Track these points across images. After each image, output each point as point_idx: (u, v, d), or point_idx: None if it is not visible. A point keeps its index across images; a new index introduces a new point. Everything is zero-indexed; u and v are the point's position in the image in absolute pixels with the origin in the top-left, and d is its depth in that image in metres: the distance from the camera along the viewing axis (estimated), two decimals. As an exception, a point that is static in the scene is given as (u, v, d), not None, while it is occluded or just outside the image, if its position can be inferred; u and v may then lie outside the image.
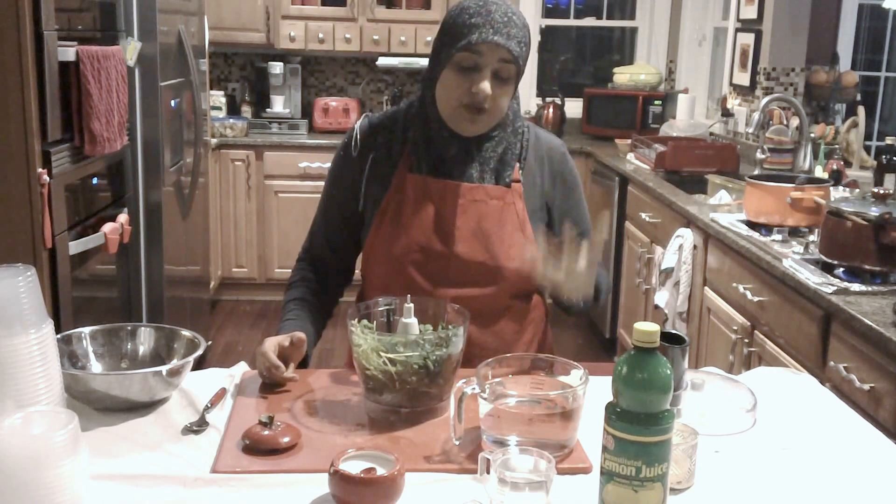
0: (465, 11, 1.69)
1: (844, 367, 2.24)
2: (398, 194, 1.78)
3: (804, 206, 2.90)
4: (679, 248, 3.47)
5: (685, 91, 5.38)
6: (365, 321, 1.58)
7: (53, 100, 2.60)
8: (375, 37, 5.36)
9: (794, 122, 4.16)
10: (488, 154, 1.77)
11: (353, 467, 1.25)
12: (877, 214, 2.37)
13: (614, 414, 1.18)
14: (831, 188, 3.07)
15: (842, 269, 2.47)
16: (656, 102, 5.40)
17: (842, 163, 3.81)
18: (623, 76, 5.66)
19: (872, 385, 2.12)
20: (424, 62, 1.85)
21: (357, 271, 1.95)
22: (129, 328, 1.70)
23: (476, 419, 1.41)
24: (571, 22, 6.18)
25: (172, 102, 3.64)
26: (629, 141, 4.84)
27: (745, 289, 2.87)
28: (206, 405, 1.55)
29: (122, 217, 3.15)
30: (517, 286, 1.79)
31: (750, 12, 4.61)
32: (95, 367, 1.63)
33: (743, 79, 4.71)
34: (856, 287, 2.34)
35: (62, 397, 1.37)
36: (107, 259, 3.12)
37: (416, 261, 1.76)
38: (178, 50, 3.76)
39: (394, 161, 1.80)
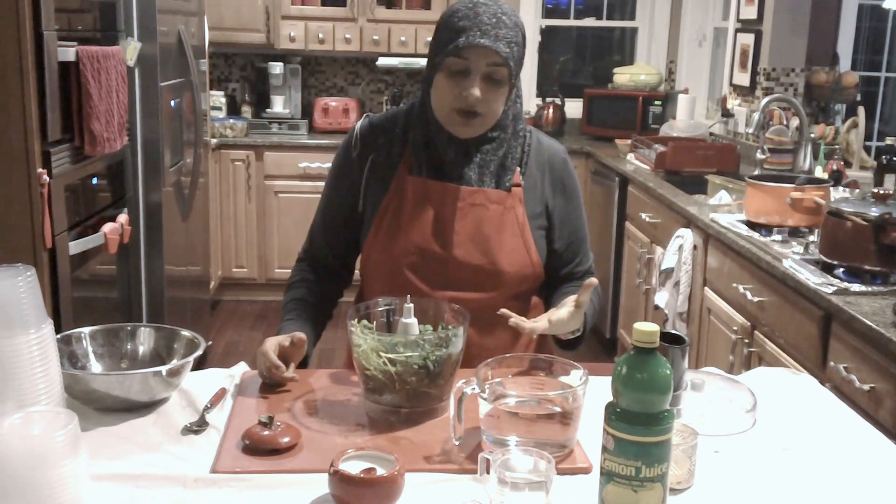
0: (454, 14, 1.69)
1: (844, 368, 2.24)
2: (398, 196, 1.78)
3: (804, 206, 2.90)
4: (679, 249, 3.47)
5: (685, 91, 5.39)
6: (365, 321, 1.57)
7: (53, 100, 2.60)
8: (375, 37, 5.36)
9: (795, 122, 4.16)
10: (489, 157, 1.76)
11: (353, 467, 1.25)
12: (877, 215, 2.37)
13: (614, 414, 1.18)
14: (831, 188, 3.07)
15: (842, 270, 2.47)
16: (656, 103, 5.40)
17: (842, 163, 3.81)
18: (623, 76, 5.66)
19: (872, 385, 2.12)
20: (424, 62, 1.84)
21: (356, 272, 1.94)
22: (128, 328, 1.70)
23: (476, 419, 1.41)
24: (571, 22, 6.18)
25: (172, 103, 3.64)
26: (629, 141, 4.84)
27: (745, 289, 2.86)
28: (206, 405, 1.55)
29: (123, 217, 3.15)
30: (516, 290, 1.79)
31: (750, 13, 4.61)
32: (95, 367, 1.63)
33: (743, 79, 4.71)
34: (856, 287, 2.34)
35: (62, 397, 1.37)
36: (107, 259, 3.12)
37: (415, 263, 1.76)
38: (178, 50, 3.76)
39: (394, 162, 1.80)
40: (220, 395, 1.60)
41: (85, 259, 2.89)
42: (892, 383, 2.05)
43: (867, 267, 2.39)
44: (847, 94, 4.38)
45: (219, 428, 1.49)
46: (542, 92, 5.96)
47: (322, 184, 1.94)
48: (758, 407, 1.58)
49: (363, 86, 5.85)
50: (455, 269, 1.75)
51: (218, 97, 5.42)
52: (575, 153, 5.31)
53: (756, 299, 2.79)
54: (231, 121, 5.27)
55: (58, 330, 1.43)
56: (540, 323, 1.61)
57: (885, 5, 4.20)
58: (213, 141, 4.97)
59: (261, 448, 1.40)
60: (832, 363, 2.32)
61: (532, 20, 5.91)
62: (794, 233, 2.90)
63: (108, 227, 2.99)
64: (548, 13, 6.08)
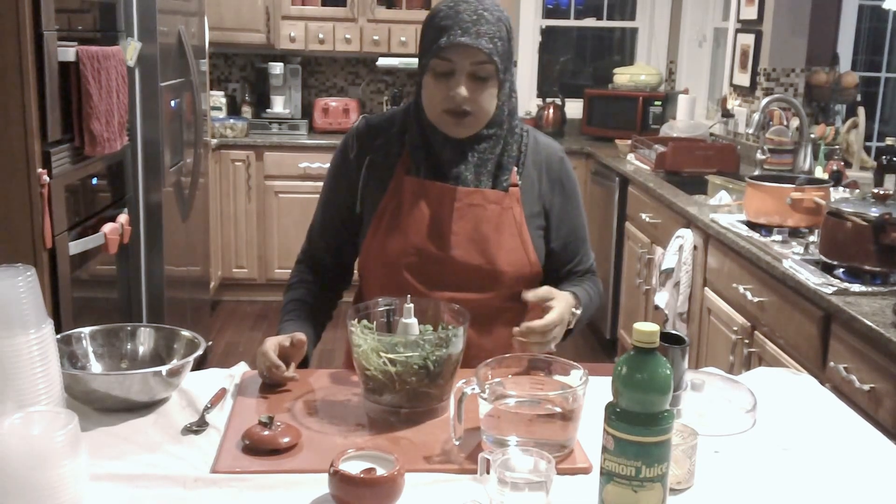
0: (436, 15, 1.69)
1: (844, 368, 2.24)
2: (395, 197, 1.78)
3: (804, 206, 2.90)
4: (679, 249, 3.47)
5: (685, 92, 5.39)
6: (365, 321, 1.57)
7: (53, 100, 2.60)
8: (375, 37, 5.37)
9: (795, 122, 4.16)
10: (485, 156, 1.76)
11: (353, 467, 1.25)
12: (877, 215, 2.37)
13: (614, 414, 1.18)
14: (831, 189, 3.07)
15: (842, 270, 2.47)
16: (656, 103, 5.40)
17: (842, 163, 3.81)
18: (623, 77, 5.66)
19: (872, 386, 2.12)
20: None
21: (356, 272, 1.95)
22: (128, 328, 1.70)
23: (476, 419, 1.41)
24: (572, 23, 6.18)
25: (172, 103, 3.64)
26: (629, 141, 4.84)
27: (745, 289, 2.87)
28: (206, 405, 1.55)
29: (123, 217, 3.15)
30: (514, 290, 1.79)
31: (750, 13, 4.61)
32: (95, 367, 1.63)
33: (743, 79, 4.71)
34: (856, 288, 2.34)
35: (62, 397, 1.37)
36: (107, 259, 3.12)
37: (413, 264, 1.76)
38: (179, 50, 3.76)
39: (391, 163, 1.80)
40: (220, 395, 1.60)
41: (85, 259, 2.89)
42: (892, 383, 2.05)
43: (867, 267, 2.39)
44: (847, 95, 4.38)
45: (219, 428, 1.49)
46: (542, 92, 5.96)
47: (322, 184, 1.94)
48: (758, 407, 1.58)
49: (363, 86, 5.85)
50: (453, 270, 1.75)
51: (218, 97, 5.42)
52: (575, 153, 5.31)
53: (756, 299, 2.79)
54: (231, 121, 5.27)
55: (58, 330, 1.43)
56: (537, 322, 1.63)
57: (885, 6, 4.20)
58: (214, 141, 4.97)
59: (261, 448, 1.40)
60: (832, 363, 2.32)
61: (532, 20, 5.91)
62: (794, 233, 2.90)
63: (108, 228, 2.99)
64: (548, 13, 6.08)
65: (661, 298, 3.60)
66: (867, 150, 4.35)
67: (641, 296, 4.14)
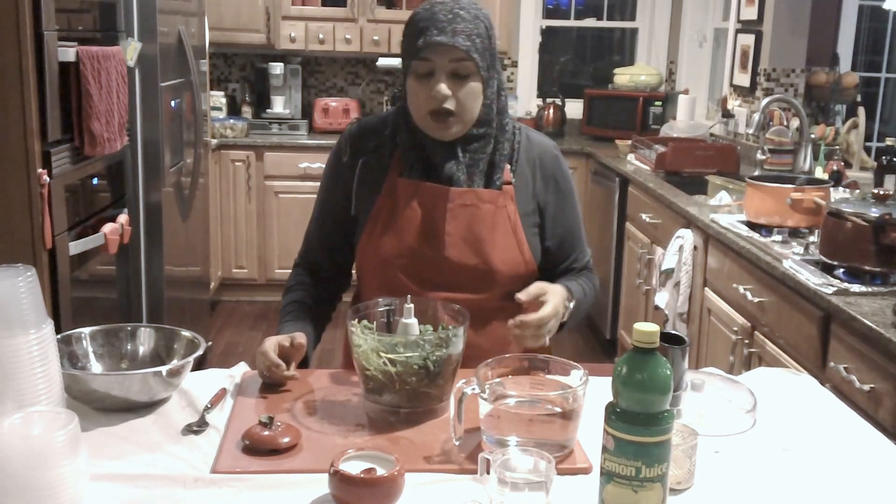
0: (414, 17, 1.69)
1: (844, 368, 2.24)
2: (389, 199, 1.78)
3: (804, 206, 2.90)
4: (679, 249, 3.47)
5: (685, 92, 5.39)
6: (365, 322, 1.57)
7: (53, 100, 2.60)
8: (375, 37, 5.37)
9: (795, 123, 4.16)
10: (477, 155, 1.76)
11: (353, 468, 1.25)
12: (877, 215, 2.37)
13: (614, 414, 1.18)
14: (831, 189, 3.07)
15: (842, 270, 2.47)
16: (657, 103, 5.40)
17: (842, 164, 3.81)
18: (623, 77, 5.66)
19: (872, 386, 2.12)
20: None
21: (354, 274, 1.94)
22: (128, 328, 1.70)
23: (476, 419, 1.41)
24: (572, 23, 6.18)
25: (172, 103, 3.64)
26: (629, 142, 4.84)
27: (745, 289, 2.87)
28: (206, 405, 1.55)
29: (123, 218, 3.15)
30: (509, 289, 1.79)
31: (750, 13, 4.61)
32: (95, 367, 1.63)
33: (743, 80, 4.71)
34: (856, 288, 2.34)
35: (62, 398, 1.37)
36: (107, 260, 3.12)
37: (407, 265, 1.76)
38: (179, 50, 3.76)
39: (385, 165, 1.80)
40: (220, 395, 1.60)
41: (85, 259, 2.89)
42: (892, 383, 2.05)
43: (867, 267, 2.39)
44: (847, 95, 4.38)
45: (219, 428, 1.49)
46: (542, 92, 5.96)
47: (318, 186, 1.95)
48: (758, 407, 1.58)
49: (363, 86, 5.85)
50: (448, 270, 1.75)
51: (218, 97, 5.42)
52: (575, 153, 5.31)
53: (756, 300, 2.79)
54: (231, 121, 5.27)
55: (58, 330, 1.43)
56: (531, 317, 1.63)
57: (885, 6, 4.20)
58: (214, 141, 4.97)
59: (261, 448, 1.40)
60: (832, 363, 2.32)
61: (532, 20, 5.91)
62: (794, 233, 2.90)
63: (108, 228, 2.99)
64: (548, 14, 6.08)
65: (662, 299, 3.60)
66: (867, 150, 4.35)
67: (641, 296, 4.14)
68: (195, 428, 1.48)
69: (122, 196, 3.33)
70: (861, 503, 1.33)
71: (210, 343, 4.44)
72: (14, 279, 1.29)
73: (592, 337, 5.05)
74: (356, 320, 1.56)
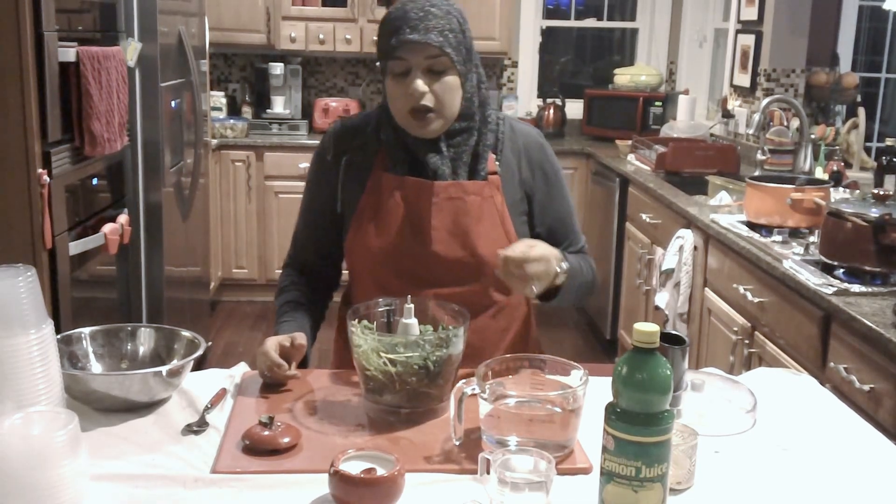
0: (386, 17, 1.70)
1: (844, 368, 2.24)
2: (374, 195, 1.78)
3: (804, 207, 2.90)
4: (679, 249, 3.47)
5: (686, 92, 5.39)
6: (365, 322, 1.57)
7: (53, 100, 2.60)
8: (375, 37, 5.36)
9: (795, 123, 4.16)
10: (461, 149, 1.76)
11: (353, 468, 1.25)
12: (877, 216, 2.37)
13: (614, 414, 1.18)
14: (831, 189, 3.07)
15: (842, 271, 2.47)
16: (657, 103, 5.40)
17: (842, 164, 3.81)
18: (623, 77, 5.66)
19: (872, 386, 2.12)
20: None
21: (345, 272, 1.94)
22: (129, 329, 1.70)
23: (476, 420, 1.41)
24: (572, 23, 6.18)
25: (173, 103, 3.64)
26: (630, 142, 4.84)
27: (745, 290, 2.86)
28: (206, 406, 1.55)
29: (123, 218, 3.15)
30: (498, 281, 1.79)
31: (750, 13, 4.61)
32: (95, 367, 1.63)
33: (743, 80, 4.71)
34: (856, 288, 2.34)
35: (62, 398, 1.37)
36: (107, 260, 3.12)
37: (396, 261, 1.76)
38: (179, 51, 3.76)
39: (369, 162, 1.80)
40: (221, 395, 1.60)
41: (85, 259, 2.89)
42: (892, 384, 2.05)
43: (867, 268, 2.39)
44: (847, 95, 4.38)
45: (219, 428, 1.49)
46: (542, 93, 5.96)
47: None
48: (758, 407, 1.58)
49: (363, 86, 5.85)
50: (436, 265, 1.75)
51: (218, 97, 5.43)
52: (575, 154, 5.31)
53: (756, 300, 2.79)
54: (231, 121, 5.27)
55: (58, 330, 1.43)
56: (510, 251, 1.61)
57: (885, 6, 4.19)
58: (214, 141, 4.97)
59: (261, 448, 1.40)
60: (832, 364, 2.32)
61: (532, 21, 5.91)
62: (795, 233, 2.90)
63: (108, 228, 2.99)
64: (548, 14, 6.08)
65: (662, 299, 3.60)
66: (867, 150, 4.35)
67: (642, 296, 4.14)
68: (195, 428, 1.48)
69: (122, 196, 3.33)
70: (861, 503, 1.33)
71: (210, 343, 4.44)
72: (14, 279, 1.29)
73: (592, 337, 5.05)
74: (356, 320, 1.56)
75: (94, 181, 3.01)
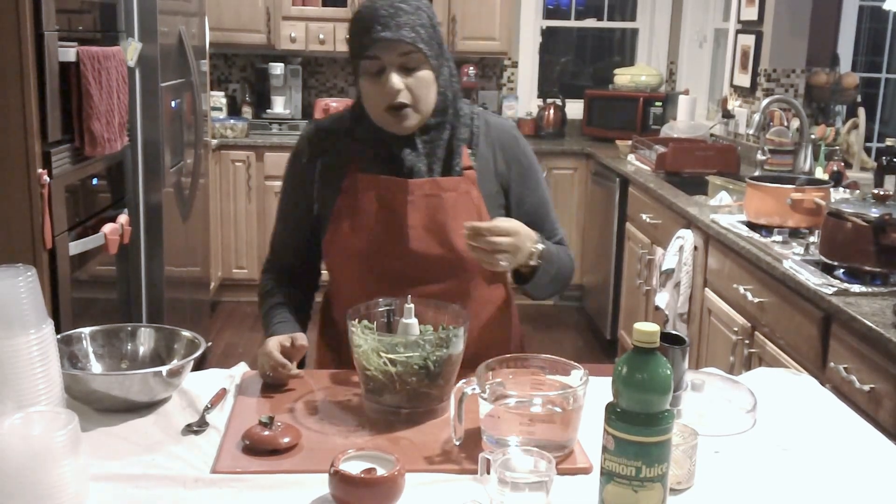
0: (356, 17, 1.70)
1: (844, 368, 2.24)
2: (350, 196, 1.77)
3: (804, 207, 2.90)
4: (679, 250, 3.47)
5: (686, 92, 5.39)
6: (365, 322, 1.57)
7: (54, 100, 2.60)
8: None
9: (795, 123, 4.16)
10: (435, 144, 1.76)
11: (354, 468, 1.25)
12: (877, 216, 2.37)
13: (614, 414, 1.18)
14: (831, 189, 3.07)
15: (842, 271, 2.47)
16: (657, 104, 5.40)
17: (842, 164, 3.81)
18: (624, 77, 5.66)
19: (872, 386, 2.12)
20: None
21: (324, 272, 1.94)
22: (129, 329, 1.70)
23: (476, 420, 1.41)
24: (572, 23, 6.18)
25: (173, 103, 3.64)
26: (630, 142, 4.84)
27: (745, 290, 2.86)
28: (207, 406, 1.55)
29: (123, 218, 3.15)
30: (479, 274, 1.79)
31: (750, 14, 4.61)
32: (95, 367, 1.63)
33: (743, 80, 4.71)
34: (856, 288, 2.34)
35: (62, 398, 1.37)
36: (107, 260, 3.12)
37: (374, 261, 1.76)
38: (179, 51, 3.76)
39: (344, 163, 1.79)
40: (221, 395, 1.60)
41: (85, 260, 2.89)
42: (892, 384, 2.05)
43: (867, 268, 2.39)
44: (847, 96, 4.38)
45: (219, 428, 1.49)
46: (542, 93, 5.96)
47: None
48: (758, 407, 1.58)
49: (363, 87, 5.84)
50: (414, 262, 1.75)
51: (218, 98, 5.43)
52: (575, 154, 5.31)
53: (756, 300, 2.79)
54: (231, 121, 5.27)
55: (58, 330, 1.43)
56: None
57: (886, 7, 4.19)
58: (214, 141, 4.97)
59: (261, 448, 1.40)
60: (832, 364, 2.32)
61: (532, 21, 5.91)
62: (795, 234, 2.90)
63: (108, 228, 2.99)
64: (548, 14, 6.08)
65: (662, 299, 3.60)
66: (867, 150, 4.35)
67: (642, 296, 4.14)
68: (195, 428, 1.49)
69: (123, 196, 3.33)
70: (861, 503, 1.33)
71: (210, 343, 4.44)
72: (14, 279, 1.29)
73: (592, 337, 5.05)
74: (356, 320, 1.56)
75: (94, 181, 3.01)
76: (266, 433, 1.41)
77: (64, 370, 1.42)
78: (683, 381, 1.58)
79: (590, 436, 1.39)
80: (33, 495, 1.16)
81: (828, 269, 2.50)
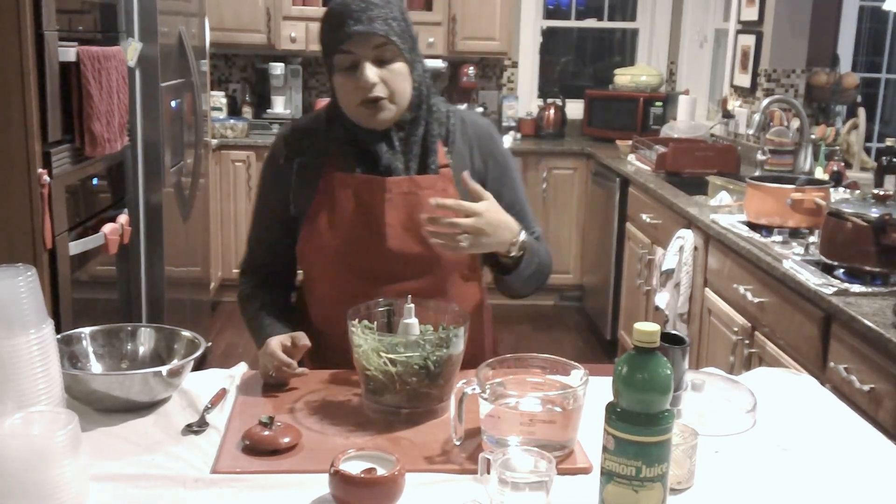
0: (328, 12, 1.70)
1: (844, 368, 2.24)
2: (327, 196, 1.77)
3: (804, 207, 2.90)
4: (680, 250, 3.47)
5: (686, 92, 5.39)
6: (365, 322, 1.57)
7: (54, 100, 2.60)
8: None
9: (795, 123, 4.16)
10: (411, 140, 1.76)
11: (354, 468, 1.25)
12: (877, 216, 2.37)
13: (614, 414, 1.18)
14: (831, 189, 3.07)
15: (842, 271, 2.47)
16: (657, 104, 5.40)
17: (842, 164, 3.81)
18: (624, 78, 5.66)
19: (872, 386, 2.12)
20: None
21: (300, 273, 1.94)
22: (129, 329, 1.70)
23: (476, 420, 1.41)
24: (572, 23, 6.18)
25: (173, 103, 3.64)
26: (630, 142, 4.84)
27: (745, 290, 2.86)
28: (207, 406, 1.55)
29: (123, 218, 3.15)
30: (457, 272, 1.79)
31: (751, 14, 4.61)
32: (96, 367, 1.63)
33: (744, 80, 4.71)
34: (856, 288, 2.34)
35: (62, 398, 1.37)
36: (107, 260, 3.12)
37: (351, 259, 1.75)
38: (179, 51, 3.76)
39: (321, 163, 1.79)
40: (221, 395, 1.60)
41: (85, 260, 2.89)
42: (892, 384, 2.05)
43: (867, 268, 2.39)
44: (847, 96, 4.38)
45: (219, 428, 1.49)
46: (542, 93, 5.96)
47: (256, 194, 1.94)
48: (758, 407, 1.58)
49: (364, 87, 5.84)
50: (392, 261, 1.75)
51: (218, 98, 5.43)
52: (576, 154, 5.31)
53: (756, 300, 2.79)
54: (232, 121, 5.27)
55: (58, 330, 1.43)
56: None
57: (886, 7, 4.19)
58: (214, 142, 4.97)
59: (261, 448, 1.40)
60: (832, 364, 2.32)
61: (533, 21, 5.91)
62: (795, 234, 2.90)
63: (108, 228, 2.99)
64: (549, 14, 6.08)
65: (662, 299, 3.60)
66: (867, 150, 4.35)
67: (642, 296, 4.14)
68: (195, 428, 1.49)
69: (123, 196, 3.33)
70: (861, 503, 1.33)
71: (210, 343, 4.44)
72: (14, 279, 1.29)
73: (592, 337, 5.05)
74: (356, 320, 1.56)
75: (95, 181, 3.01)
76: (266, 433, 1.41)
77: (64, 370, 1.42)
78: (683, 381, 1.58)
79: (590, 436, 1.39)
80: (33, 495, 1.16)
81: (828, 269, 2.50)
